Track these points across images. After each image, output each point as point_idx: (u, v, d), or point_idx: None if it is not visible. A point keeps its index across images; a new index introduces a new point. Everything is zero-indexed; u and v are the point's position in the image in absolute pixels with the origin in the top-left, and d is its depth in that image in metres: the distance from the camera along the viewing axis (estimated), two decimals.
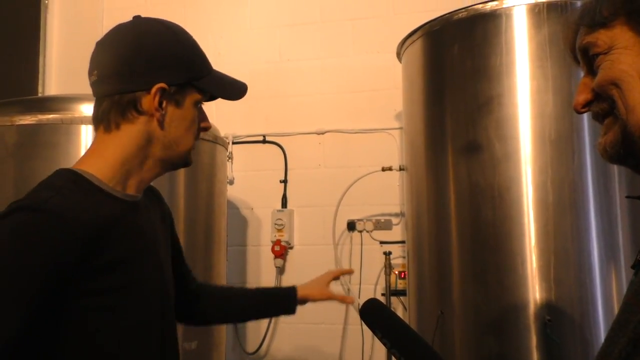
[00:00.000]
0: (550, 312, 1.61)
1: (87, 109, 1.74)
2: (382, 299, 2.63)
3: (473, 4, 1.88)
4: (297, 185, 2.80)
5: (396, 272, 2.48)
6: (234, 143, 2.84)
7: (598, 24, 0.66)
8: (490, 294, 1.72)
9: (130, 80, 0.89)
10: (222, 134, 2.49)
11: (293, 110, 2.82)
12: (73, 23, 3.03)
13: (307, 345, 2.70)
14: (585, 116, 1.71)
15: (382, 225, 2.61)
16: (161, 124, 0.91)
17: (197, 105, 0.98)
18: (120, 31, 0.94)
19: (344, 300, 1.34)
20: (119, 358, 0.89)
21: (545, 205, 1.68)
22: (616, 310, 0.82)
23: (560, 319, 1.61)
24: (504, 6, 1.80)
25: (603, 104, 0.66)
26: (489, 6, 1.83)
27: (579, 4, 1.75)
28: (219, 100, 1.07)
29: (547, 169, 1.70)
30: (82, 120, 1.71)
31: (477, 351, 1.74)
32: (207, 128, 1.01)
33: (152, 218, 1.01)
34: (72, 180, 0.87)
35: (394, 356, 1.02)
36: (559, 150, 1.70)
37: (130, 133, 0.91)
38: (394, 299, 2.49)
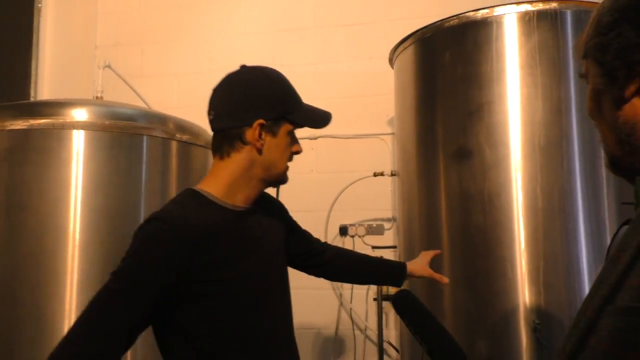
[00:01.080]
0: (539, 316, 1.63)
1: (78, 114, 1.73)
2: (373, 304, 2.64)
3: (464, 11, 1.90)
4: (290, 190, 2.77)
5: None
6: None
7: (582, 55, 0.69)
8: (480, 299, 1.73)
9: (237, 118, 1.14)
10: None
11: None
12: (66, 28, 3.03)
13: (300, 348, 2.69)
14: (575, 123, 1.74)
15: (374, 230, 2.62)
16: (260, 151, 1.14)
17: (290, 133, 1.19)
18: (228, 79, 1.19)
19: (441, 279, 1.51)
20: (229, 336, 1.11)
21: (534, 211, 1.69)
22: None
23: (550, 323, 1.62)
24: (494, 14, 1.83)
25: None
26: (480, 14, 1.85)
27: (568, 13, 1.78)
28: None
29: (537, 174, 1.71)
30: (74, 125, 1.70)
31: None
32: (299, 151, 1.22)
33: (262, 222, 1.23)
34: (193, 196, 1.13)
35: (418, 342, 1.19)
36: (549, 156, 1.72)
37: (238, 160, 1.14)
38: (385, 304, 2.49)
